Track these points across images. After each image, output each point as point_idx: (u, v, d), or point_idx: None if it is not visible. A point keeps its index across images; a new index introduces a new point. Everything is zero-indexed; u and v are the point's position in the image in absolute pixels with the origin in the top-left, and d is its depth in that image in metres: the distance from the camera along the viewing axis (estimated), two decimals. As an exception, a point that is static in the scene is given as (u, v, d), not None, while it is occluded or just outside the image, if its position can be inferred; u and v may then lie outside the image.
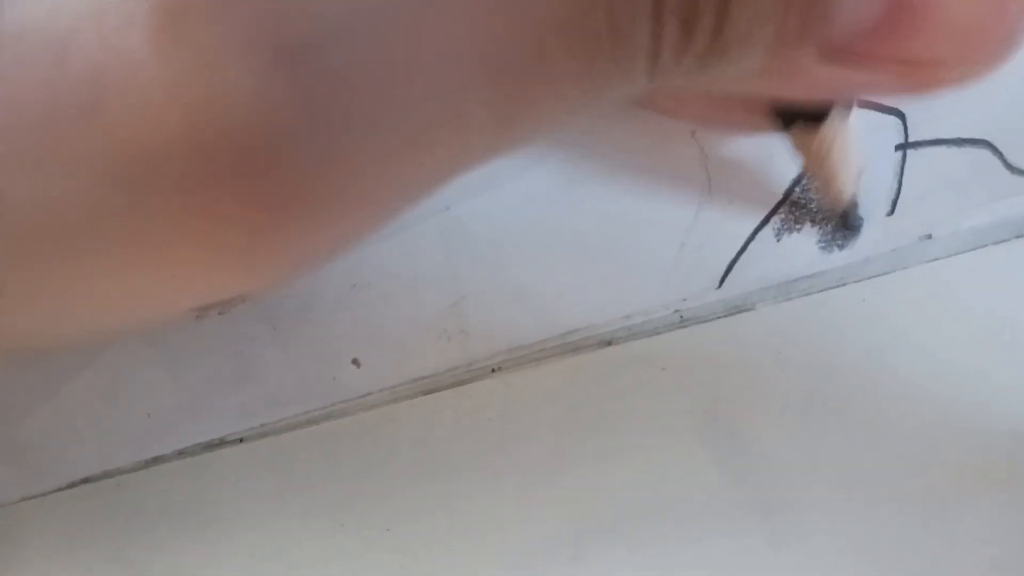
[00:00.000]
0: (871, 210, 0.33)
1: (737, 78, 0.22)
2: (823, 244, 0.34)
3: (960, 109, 0.33)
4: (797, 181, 0.34)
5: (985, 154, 0.33)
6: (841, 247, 0.34)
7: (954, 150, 0.33)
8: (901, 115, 0.34)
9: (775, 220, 0.34)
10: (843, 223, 0.34)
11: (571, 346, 0.36)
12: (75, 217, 0.20)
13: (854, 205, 0.33)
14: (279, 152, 0.19)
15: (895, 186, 0.33)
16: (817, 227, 0.34)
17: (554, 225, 0.35)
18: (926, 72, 0.22)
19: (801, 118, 0.28)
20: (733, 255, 0.34)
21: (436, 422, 0.37)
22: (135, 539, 0.39)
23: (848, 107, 0.28)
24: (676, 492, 0.36)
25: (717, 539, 0.35)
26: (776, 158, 0.34)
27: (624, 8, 0.19)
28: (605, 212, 0.35)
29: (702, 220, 0.34)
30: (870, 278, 0.34)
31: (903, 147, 0.33)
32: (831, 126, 0.28)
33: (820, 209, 0.34)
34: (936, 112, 0.33)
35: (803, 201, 0.34)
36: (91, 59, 0.18)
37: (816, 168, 0.31)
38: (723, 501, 0.35)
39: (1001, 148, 0.33)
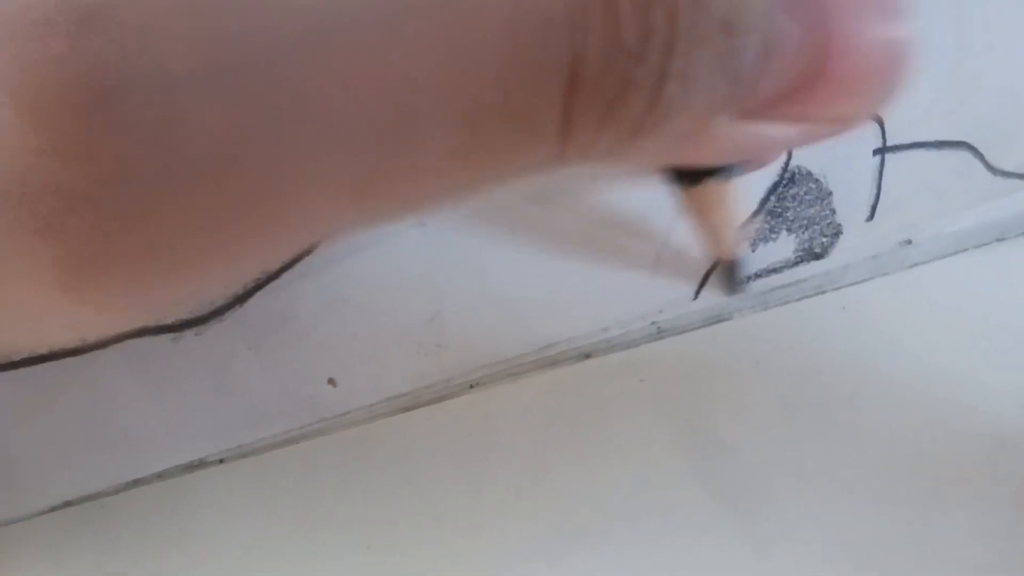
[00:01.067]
0: (850, 216, 0.33)
1: (654, 150, 0.21)
2: (798, 255, 0.33)
3: (940, 111, 0.33)
4: (772, 191, 0.34)
5: (966, 156, 0.33)
6: (730, 293, 0.34)
7: (934, 153, 0.33)
8: (879, 119, 0.33)
9: (751, 230, 0.34)
10: (727, 277, 0.34)
11: (549, 360, 0.36)
12: None
13: (737, 261, 0.33)
14: (69, 209, 0.17)
15: (874, 191, 0.33)
16: (794, 235, 0.33)
17: (530, 239, 0.35)
18: (825, 125, 0.22)
19: (687, 177, 0.27)
20: (709, 265, 0.34)
21: (415, 439, 0.37)
22: (119, 560, 0.39)
23: (734, 170, 0.28)
24: (657, 501, 0.35)
25: (699, 547, 0.35)
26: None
27: (524, 92, 0.17)
28: (581, 225, 0.34)
29: (677, 232, 0.34)
30: (850, 285, 0.34)
31: (881, 151, 0.33)
32: (714, 186, 0.27)
33: (791, 218, 0.33)
34: (915, 115, 0.33)
35: (778, 211, 0.34)
36: None
37: (698, 222, 0.30)
38: (704, 510, 0.35)
39: (982, 150, 0.32)
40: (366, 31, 0.17)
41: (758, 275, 0.33)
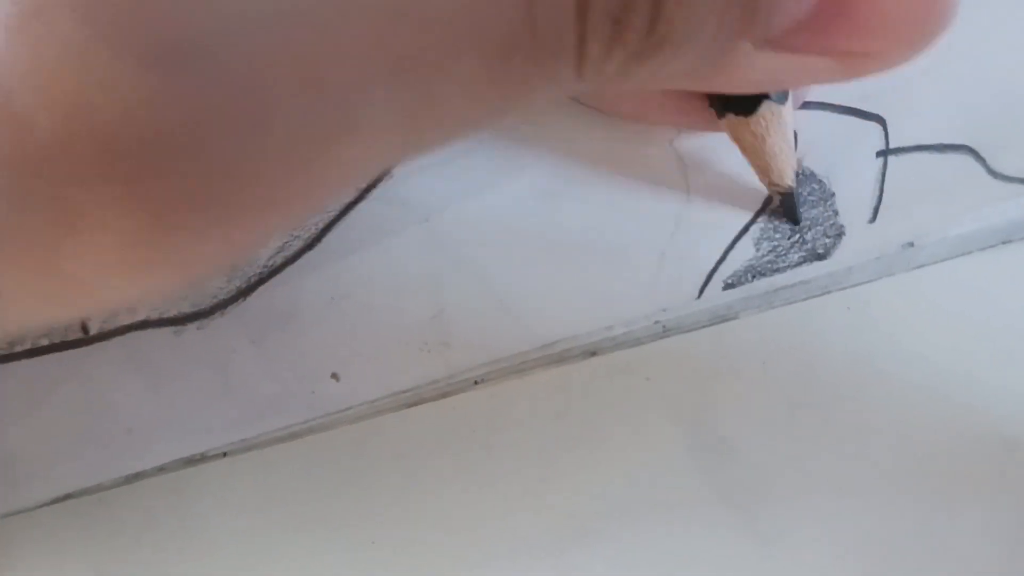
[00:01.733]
0: (853, 217, 0.34)
1: (672, 74, 0.22)
2: (801, 256, 0.34)
3: (942, 115, 0.33)
4: (782, 202, 0.34)
5: (967, 160, 0.33)
6: (793, 223, 0.34)
7: (936, 156, 0.33)
8: (882, 121, 0.34)
9: (754, 230, 0.34)
10: (784, 212, 0.34)
11: (555, 357, 0.36)
12: None
13: (793, 194, 0.33)
14: (158, 156, 0.18)
15: (876, 193, 0.33)
16: (797, 235, 0.34)
17: (535, 236, 0.35)
18: (857, 59, 0.22)
19: (733, 109, 0.28)
20: (713, 264, 0.34)
21: (420, 434, 0.37)
22: (119, 554, 0.39)
23: (782, 98, 0.28)
24: (662, 499, 0.35)
25: (703, 545, 0.35)
26: None
27: (544, 8, 0.18)
28: (585, 222, 0.35)
29: (682, 229, 0.34)
30: (855, 286, 0.34)
31: (884, 154, 0.33)
32: (763, 116, 0.28)
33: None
34: (917, 118, 0.33)
35: (783, 210, 0.34)
36: None
37: (751, 157, 0.31)
38: (709, 507, 0.35)
39: (983, 154, 0.33)
40: None
41: (728, 282, 0.34)
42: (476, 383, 0.36)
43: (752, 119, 0.28)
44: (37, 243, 0.19)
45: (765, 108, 0.28)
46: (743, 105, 0.28)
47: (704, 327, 0.35)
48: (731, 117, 0.29)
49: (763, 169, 0.32)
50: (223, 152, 0.18)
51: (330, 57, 0.18)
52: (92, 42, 0.16)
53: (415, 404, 0.36)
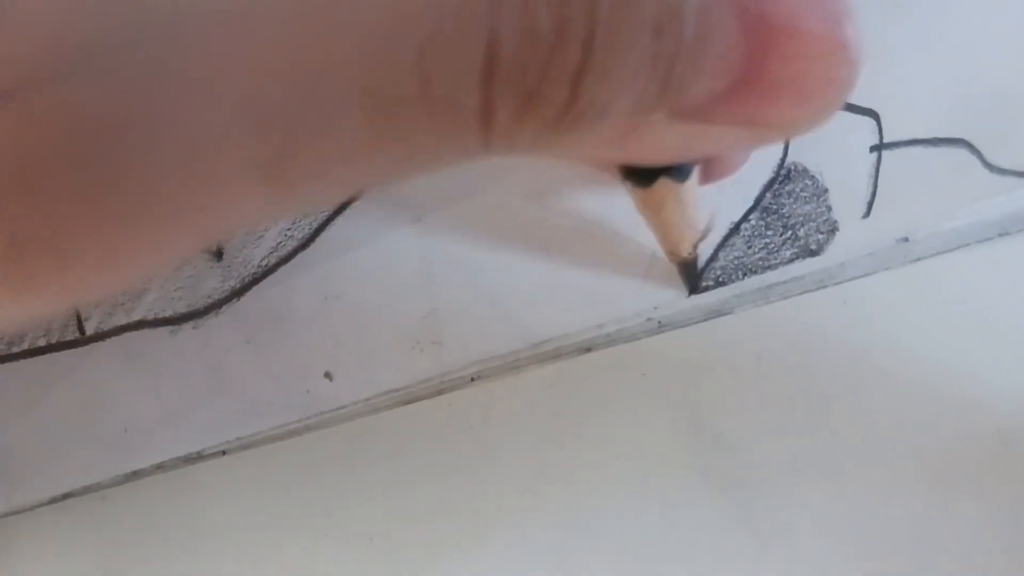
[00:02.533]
0: (846, 212, 0.33)
1: (587, 145, 0.21)
2: (793, 252, 0.33)
3: (936, 108, 0.33)
4: (768, 187, 0.33)
5: (963, 153, 0.32)
6: (689, 293, 0.34)
7: (931, 150, 0.33)
8: (875, 116, 0.33)
9: (745, 227, 0.34)
10: (684, 277, 0.34)
11: (550, 353, 0.36)
12: None
13: (692, 262, 0.33)
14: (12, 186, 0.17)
15: (870, 188, 0.33)
16: (789, 232, 0.34)
17: (526, 235, 0.35)
18: (768, 128, 0.22)
19: (632, 179, 0.27)
20: (704, 262, 0.34)
21: (417, 431, 0.37)
22: (122, 551, 0.40)
23: (682, 175, 0.28)
24: (658, 494, 0.35)
25: (700, 540, 0.35)
26: (746, 165, 0.34)
27: (441, 75, 0.17)
28: (576, 222, 0.34)
29: None
30: (852, 280, 0.34)
31: (878, 148, 0.33)
32: (658, 191, 0.27)
33: (790, 215, 0.34)
34: (912, 112, 0.33)
35: (774, 207, 0.33)
36: None
37: (651, 221, 0.30)
38: (705, 503, 0.35)
39: (979, 147, 0.32)
40: (276, 11, 0.16)
41: (718, 279, 0.34)
42: (472, 380, 0.36)
43: (648, 191, 0.28)
44: None
45: (661, 183, 0.27)
46: (642, 177, 0.27)
47: (699, 322, 0.35)
48: (629, 186, 0.28)
49: (660, 237, 0.31)
50: (64, 192, 0.17)
51: (182, 102, 0.17)
52: None
53: (411, 401, 0.37)
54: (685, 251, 0.32)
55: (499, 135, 0.19)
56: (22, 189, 0.17)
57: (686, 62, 0.19)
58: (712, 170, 0.29)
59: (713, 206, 0.33)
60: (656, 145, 0.22)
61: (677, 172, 0.27)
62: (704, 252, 0.34)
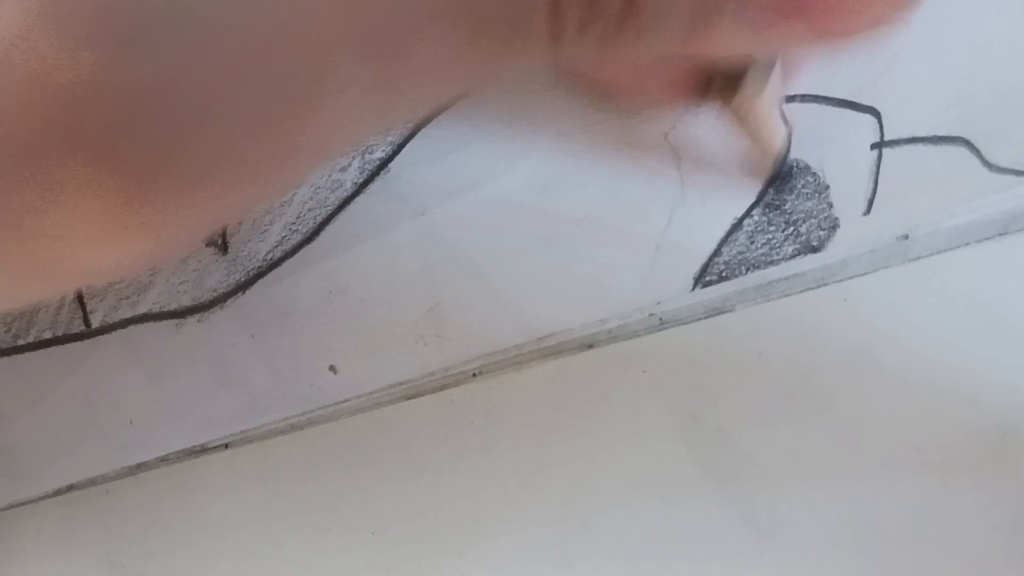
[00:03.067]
0: (847, 209, 0.34)
1: (657, 44, 0.22)
2: (795, 248, 0.34)
3: (936, 106, 0.33)
4: (770, 184, 0.34)
5: (962, 151, 0.33)
6: (801, 247, 0.34)
7: (930, 148, 0.33)
8: (876, 114, 0.34)
9: (748, 223, 0.34)
10: (775, 179, 0.34)
11: (552, 349, 0.36)
12: None
13: (783, 161, 0.33)
14: (122, 125, 0.18)
15: (871, 185, 0.33)
16: (791, 228, 0.34)
17: (529, 230, 0.35)
18: (837, 23, 0.23)
19: (720, 78, 0.28)
20: (707, 257, 0.34)
21: (419, 426, 0.37)
22: (125, 545, 0.40)
23: (768, 66, 0.29)
24: (659, 493, 0.35)
25: (701, 535, 0.35)
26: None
27: None
28: (580, 216, 0.34)
29: (676, 223, 0.34)
30: (852, 278, 0.34)
31: (879, 146, 0.33)
32: (750, 82, 0.28)
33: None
34: (912, 110, 0.34)
35: (776, 203, 0.34)
36: None
37: (740, 124, 0.31)
38: (706, 498, 0.35)
39: (978, 145, 0.33)
40: None
41: (721, 274, 0.35)
42: (474, 375, 0.36)
43: (738, 96, 0.29)
44: (21, 216, 0.19)
45: (747, 85, 0.29)
46: (729, 75, 0.29)
47: (700, 319, 0.35)
48: (718, 86, 0.29)
49: (753, 135, 0.32)
50: (187, 118, 0.19)
51: (296, 27, 0.19)
52: (67, 25, 0.17)
53: (414, 396, 0.37)
54: (777, 149, 0.32)
55: (569, 36, 0.21)
56: (149, 122, 0.18)
57: None
58: (790, 65, 0.30)
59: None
60: (723, 43, 0.23)
61: (762, 65, 0.28)
62: (707, 246, 0.34)
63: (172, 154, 0.19)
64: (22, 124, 0.18)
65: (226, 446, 0.38)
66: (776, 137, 0.32)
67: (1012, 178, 0.32)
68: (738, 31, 0.22)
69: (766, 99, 0.30)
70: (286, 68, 0.19)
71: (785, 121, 0.32)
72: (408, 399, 0.37)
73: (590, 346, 0.36)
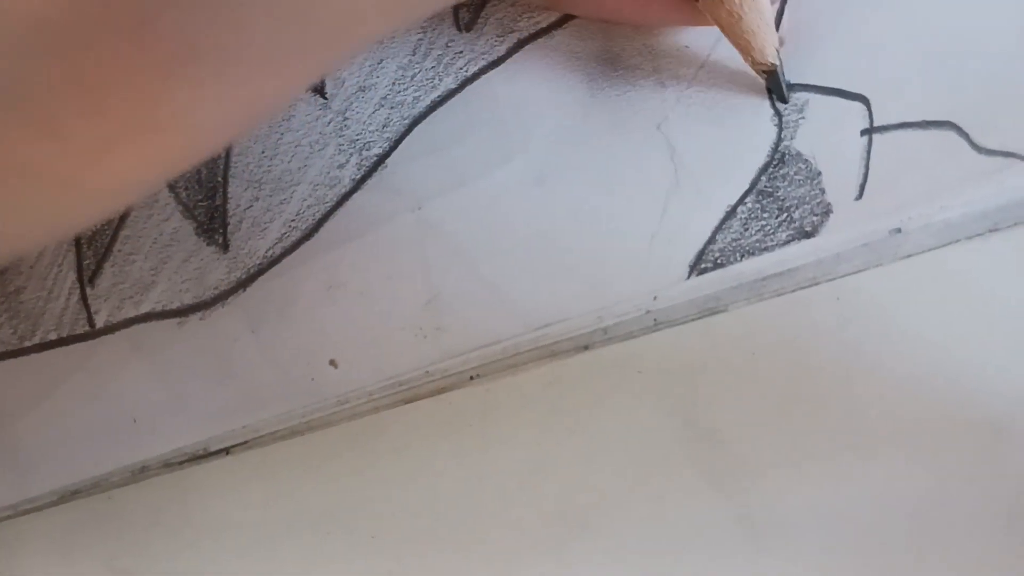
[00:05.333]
0: (840, 195, 0.35)
1: None
2: (789, 234, 0.35)
3: (924, 91, 0.34)
4: (763, 171, 0.34)
5: (951, 135, 0.33)
6: (781, 100, 0.35)
7: (920, 132, 0.33)
8: (865, 100, 0.35)
9: (742, 210, 0.34)
10: (771, 91, 0.34)
11: (548, 351, 0.36)
12: None
13: (776, 71, 0.33)
14: (161, 9, 0.19)
15: (862, 170, 0.33)
16: (785, 215, 0.35)
17: (525, 222, 0.35)
18: None
19: None
20: (702, 244, 0.34)
21: (417, 430, 0.37)
22: (128, 550, 0.40)
23: None
24: (655, 490, 0.35)
25: (696, 535, 0.34)
26: (743, 147, 0.34)
27: None
28: (575, 207, 0.35)
29: (671, 212, 0.34)
30: (844, 276, 0.34)
31: (868, 132, 0.34)
32: None
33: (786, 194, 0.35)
34: (900, 96, 0.35)
35: (769, 190, 0.34)
36: None
37: (730, 36, 0.31)
38: (701, 497, 0.34)
39: (967, 129, 0.33)
40: None
41: (716, 261, 0.35)
42: (471, 378, 0.36)
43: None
44: (54, 109, 0.20)
45: None
46: None
47: (694, 320, 0.35)
48: (706, 4, 0.30)
49: (744, 48, 0.32)
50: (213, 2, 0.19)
51: None
52: None
53: (412, 400, 0.37)
54: (771, 57, 0.32)
55: None
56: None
57: None
58: None
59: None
60: None
61: None
62: (702, 234, 0.35)
63: (200, 37, 0.20)
64: (49, 9, 0.18)
65: (227, 451, 0.39)
66: (769, 44, 0.33)
67: (1001, 160, 0.33)
68: None
69: (753, 6, 0.31)
70: None
71: (776, 30, 0.33)
72: (406, 402, 0.37)
73: (586, 347, 0.36)
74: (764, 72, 0.34)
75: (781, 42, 0.33)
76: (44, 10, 0.18)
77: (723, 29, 0.32)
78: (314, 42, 0.23)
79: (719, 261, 0.34)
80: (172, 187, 0.38)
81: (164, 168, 0.23)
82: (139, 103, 0.20)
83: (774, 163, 0.34)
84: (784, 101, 0.34)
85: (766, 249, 0.33)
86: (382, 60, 0.36)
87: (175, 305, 0.37)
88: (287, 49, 0.22)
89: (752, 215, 0.34)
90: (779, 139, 0.34)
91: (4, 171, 0.21)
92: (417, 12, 0.25)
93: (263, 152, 0.37)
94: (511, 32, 0.35)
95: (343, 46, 0.25)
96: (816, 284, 0.34)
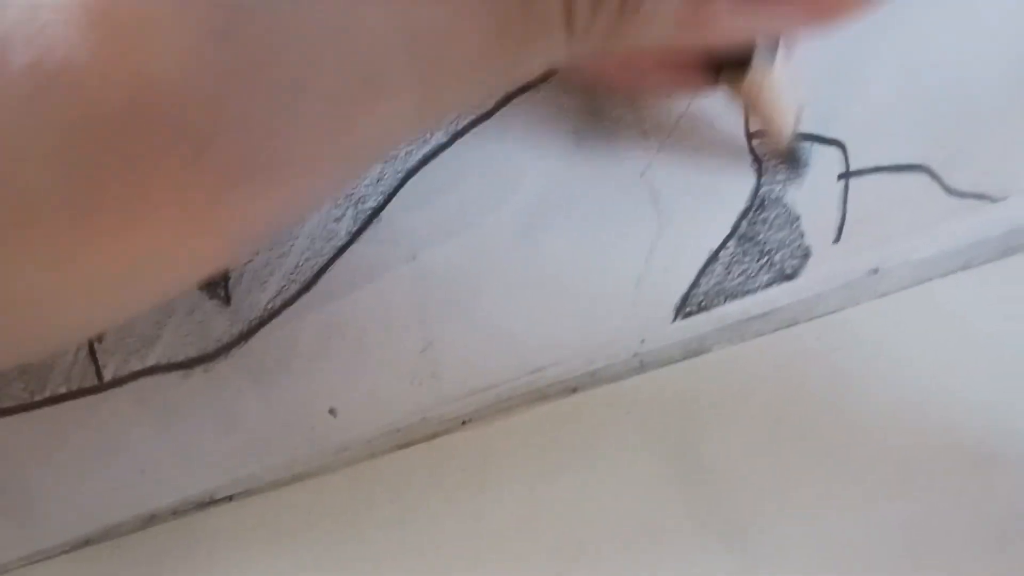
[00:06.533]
0: (818, 238, 0.36)
1: (657, 33, 0.24)
2: (770, 277, 0.36)
3: (897, 136, 0.35)
4: (743, 216, 0.34)
5: (923, 178, 0.35)
6: (795, 174, 0.36)
7: (894, 176, 0.34)
8: (842, 146, 0.36)
9: (724, 254, 0.35)
10: (790, 159, 0.35)
11: (538, 394, 0.36)
12: (23, 204, 0.20)
13: (797, 140, 0.35)
14: (218, 116, 0.20)
15: (839, 214, 0.34)
16: (766, 258, 0.36)
17: (516, 269, 0.36)
18: (829, 3, 0.25)
19: (728, 65, 0.30)
20: (686, 288, 0.35)
21: (413, 474, 0.37)
22: (135, 598, 0.42)
23: (772, 48, 0.30)
24: (649, 529, 0.35)
25: (689, 571, 0.35)
26: (724, 193, 0.35)
27: None
28: (564, 254, 0.36)
29: (656, 257, 0.35)
30: (823, 316, 0.35)
31: (845, 176, 0.35)
32: (757, 66, 0.30)
33: (767, 241, 0.36)
34: (875, 141, 0.36)
35: (750, 235, 0.35)
36: (27, 55, 0.19)
37: (753, 109, 0.32)
38: (692, 534, 0.35)
39: (939, 172, 0.35)
40: None
41: (700, 305, 0.36)
42: (464, 423, 0.37)
43: (746, 81, 0.31)
44: (110, 209, 0.20)
45: (753, 69, 0.31)
46: (735, 65, 0.31)
47: (679, 361, 0.36)
48: (727, 74, 0.31)
49: (765, 121, 0.34)
50: (267, 115, 0.20)
51: (356, 30, 0.21)
52: (152, 20, 0.19)
53: (408, 445, 0.37)
54: (791, 129, 0.34)
55: (580, 28, 0.23)
56: (238, 121, 0.20)
57: None
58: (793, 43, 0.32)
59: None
60: (724, 28, 0.25)
61: (766, 50, 0.30)
62: (686, 278, 0.36)
63: (250, 156, 0.21)
64: (122, 122, 0.19)
65: (230, 498, 0.40)
66: (789, 115, 0.33)
67: (971, 201, 0.34)
68: (732, 17, 0.24)
69: (774, 81, 0.31)
70: (345, 70, 0.21)
71: (795, 97, 0.34)
72: (402, 447, 0.39)
73: (575, 390, 0.36)
74: (784, 143, 0.35)
75: (801, 112, 0.34)
76: (99, 122, 0.19)
77: (743, 105, 0.34)
78: (357, 149, 0.24)
79: (703, 304, 0.35)
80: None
81: (205, 273, 0.24)
82: (188, 220, 0.21)
83: (754, 208, 0.35)
84: (800, 169, 0.36)
85: (748, 292, 0.35)
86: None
87: (180, 358, 0.38)
88: (331, 158, 0.24)
89: (734, 259, 0.35)
90: (759, 184, 0.35)
91: (57, 276, 0.22)
92: (450, 114, 0.27)
93: (262, 208, 0.38)
94: (499, 87, 0.37)
95: (383, 149, 0.26)
96: (797, 323, 0.35)
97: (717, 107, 0.34)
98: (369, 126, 0.23)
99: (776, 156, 0.36)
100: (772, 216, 0.34)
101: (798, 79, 0.34)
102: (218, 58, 0.19)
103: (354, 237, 0.36)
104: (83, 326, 0.28)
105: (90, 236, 0.21)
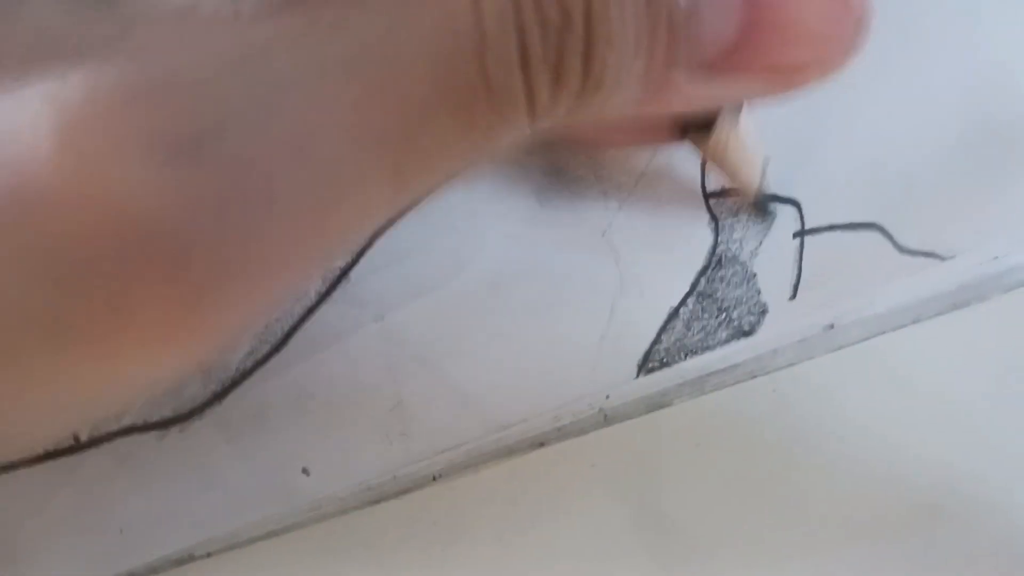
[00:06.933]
0: (775, 295, 0.36)
1: (620, 105, 0.24)
2: (728, 333, 0.37)
3: (850, 195, 0.36)
4: (701, 274, 0.35)
5: (876, 236, 0.35)
6: (763, 221, 0.37)
7: (848, 234, 0.35)
8: (797, 204, 0.37)
9: (684, 311, 0.36)
10: (757, 211, 0.36)
11: (505, 450, 0.37)
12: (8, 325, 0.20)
13: (764, 194, 0.36)
14: (192, 233, 0.20)
15: (795, 271, 0.35)
16: (724, 315, 0.37)
17: (482, 326, 0.37)
18: (789, 75, 0.24)
19: (692, 130, 0.30)
20: (648, 345, 0.36)
21: (385, 529, 0.38)
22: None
23: (736, 107, 0.30)
24: None
25: None
26: (682, 252, 0.36)
27: (495, 64, 0.21)
28: (528, 311, 0.36)
29: (617, 314, 0.36)
30: (779, 369, 0.36)
31: (800, 234, 0.35)
32: (721, 128, 0.30)
33: (725, 297, 0.37)
34: (829, 200, 0.37)
35: (708, 292, 0.35)
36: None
37: (719, 165, 0.33)
38: None
39: (890, 230, 0.35)
40: (368, 67, 0.21)
41: (662, 361, 0.37)
42: (434, 479, 0.37)
43: (712, 139, 0.32)
44: (91, 333, 0.21)
45: (718, 129, 0.31)
46: (700, 125, 0.32)
47: (641, 415, 0.37)
48: (692, 133, 0.32)
49: (731, 175, 0.35)
50: (241, 226, 0.21)
51: (325, 136, 0.21)
52: (122, 147, 0.19)
53: (379, 501, 0.38)
54: (757, 182, 0.35)
55: (542, 109, 0.23)
56: (214, 235, 0.21)
57: (685, 19, 0.22)
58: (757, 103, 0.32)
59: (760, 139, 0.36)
60: (687, 97, 0.25)
61: (730, 109, 0.30)
62: (648, 335, 0.37)
63: (229, 262, 0.21)
64: (97, 245, 0.20)
65: (208, 554, 0.41)
66: (754, 171, 0.34)
67: (922, 259, 0.35)
68: (693, 88, 0.24)
69: (739, 137, 0.32)
70: (314, 170, 0.21)
71: (760, 151, 0.35)
72: (374, 503, 0.40)
73: (541, 444, 0.37)
74: (749, 195, 0.36)
75: (766, 162, 0.36)
76: (77, 249, 0.20)
77: (709, 161, 0.34)
78: (333, 241, 0.25)
79: (665, 360, 0.36)
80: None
81: (186, 373, 0.25)
82: (168, 332, 0.22)
83: (712, 266, 0.36)
84: (767, 216, 0.37)
85: (708, 348, 0.35)
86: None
87: (155, 419, 0.39)
88: (308, 252, 0.24)
89: (694, 316, 0.36)
90: (716, 243, 0.36)
91: (31, 387, 0.22)
92: (423, 197, 0.27)
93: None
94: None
95: (360, 236, 0.27)
96: (755, 377, 0.36)
97: (675, 167, 0.35)
98: (340, 221, 0.24)
99: (743, 209, 0.36)
100: (729, 274, 0.35)
101: (761, 134, 0.34)
102: (190, 177, 0.20)
103: (323, 298, 0.37)
104: (58, 433, 0.28)
105: (74, 361, 0.22)
